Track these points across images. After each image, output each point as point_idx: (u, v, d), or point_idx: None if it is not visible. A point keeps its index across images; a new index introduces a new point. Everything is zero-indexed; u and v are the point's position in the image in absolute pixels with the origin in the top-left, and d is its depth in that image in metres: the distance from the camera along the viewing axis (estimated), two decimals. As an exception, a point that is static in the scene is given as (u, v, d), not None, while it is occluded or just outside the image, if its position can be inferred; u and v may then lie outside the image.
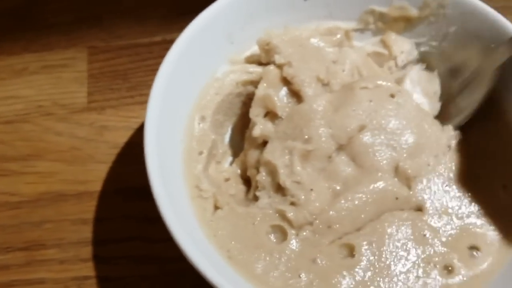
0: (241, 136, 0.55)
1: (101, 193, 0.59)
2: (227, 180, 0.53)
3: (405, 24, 0.58)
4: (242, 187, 0.52)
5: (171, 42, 0.67)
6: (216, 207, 0.49)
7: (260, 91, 0.51)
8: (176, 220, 0.43)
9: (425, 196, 0.49)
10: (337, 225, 0.47)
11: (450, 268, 0.47)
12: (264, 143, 0.51)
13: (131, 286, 0.54)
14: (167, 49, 0.67)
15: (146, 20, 0.70)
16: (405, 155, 0.49)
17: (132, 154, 0.61)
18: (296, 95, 0.52)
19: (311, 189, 0.47)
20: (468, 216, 0.49)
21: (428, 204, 0.49)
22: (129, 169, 0.60)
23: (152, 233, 0.56)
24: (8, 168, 0.60)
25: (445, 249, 0.47)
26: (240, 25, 0.55)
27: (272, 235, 0.48)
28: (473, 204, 0.50)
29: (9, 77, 0.66)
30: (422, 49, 0.59)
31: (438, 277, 0.46)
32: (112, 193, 0.59)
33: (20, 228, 0.57)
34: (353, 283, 0.45)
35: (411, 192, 0.49)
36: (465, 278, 0.46)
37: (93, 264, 0.55)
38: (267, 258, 0.46)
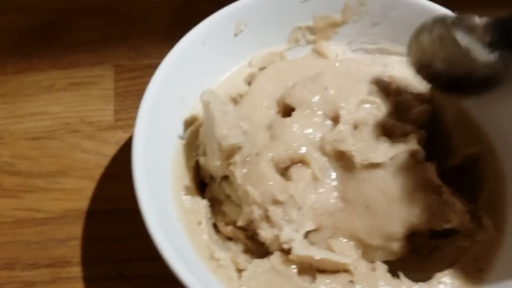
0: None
1: (127, 211, 0.58)
2: (230, 239, 0.51)
3: (332, 29, 0.60)
4: (247, 241, 0.50)
5: (196, 62, 0.69)
6: (239, 270, 0.47)
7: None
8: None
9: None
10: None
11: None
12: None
13: (155, 305, 0.54)
14: (193, 69, 0.68)
15: (172, 40, 0.70)
16: None
17: (157, 173, 0.61)
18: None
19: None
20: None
21: None
22: (154, 188, 0.60)
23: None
24: (34, 184, 0.60)
25: None
26: (186, 83, 0.54)
27: (303, 276, 0.46)
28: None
29: (36, 93, 0.66)
30: (354, 48, 0.61)
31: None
32: (137, 212, 0.58)
33: (45, 244, 0.57)
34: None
35: None
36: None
37: (118, 283, 0.55)
38: None
